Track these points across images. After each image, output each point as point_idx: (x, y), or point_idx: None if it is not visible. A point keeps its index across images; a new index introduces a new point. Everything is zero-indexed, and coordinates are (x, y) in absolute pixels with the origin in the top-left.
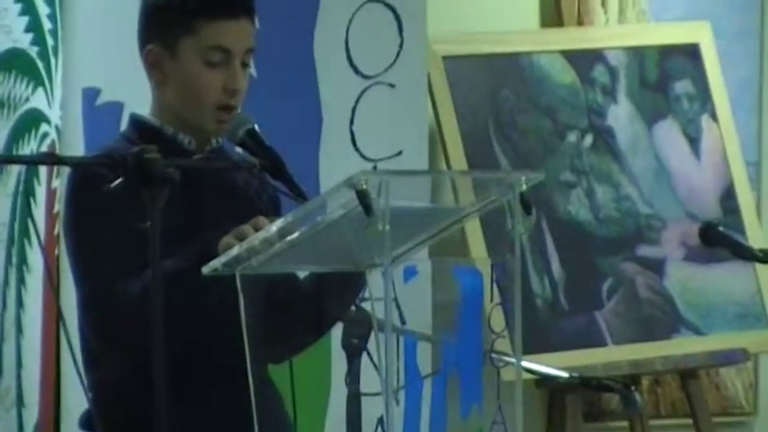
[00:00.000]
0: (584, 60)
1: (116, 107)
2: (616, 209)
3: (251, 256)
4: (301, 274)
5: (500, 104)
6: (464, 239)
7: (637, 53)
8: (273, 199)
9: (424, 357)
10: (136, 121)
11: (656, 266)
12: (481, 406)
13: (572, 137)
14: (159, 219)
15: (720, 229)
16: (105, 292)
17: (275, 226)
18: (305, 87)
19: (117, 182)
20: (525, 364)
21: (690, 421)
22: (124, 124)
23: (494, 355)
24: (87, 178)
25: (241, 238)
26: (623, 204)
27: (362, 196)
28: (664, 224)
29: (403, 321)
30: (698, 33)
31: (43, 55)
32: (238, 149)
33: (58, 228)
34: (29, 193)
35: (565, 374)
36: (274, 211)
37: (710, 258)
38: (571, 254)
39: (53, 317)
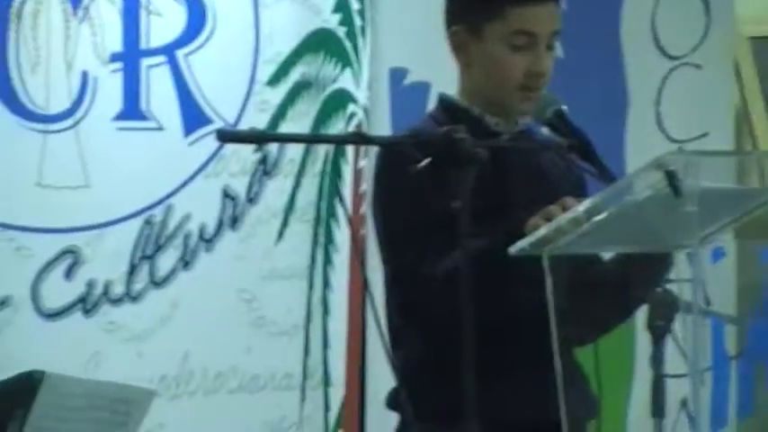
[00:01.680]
0: None
1: (423, 87)
2: None
3: (558, 237)
4: (606, 255)
5: None
6: None
7: None
8: (579, 180)
9: (730, 339)
10: (444, 102)
11: None
12: None
13: None
14: (467, 199)
15: None
16: (411, 273)
17: (583, 206)
18: (611, 68)
19: (425, 162)
20: None
21: None
22: (431, 105)
23: None
24: (395, 158)
25: (548, 219)
26: None
27: (671, 177)
28: None
29: (708, 303)
30: None
31: (351, 35)
32: (544, 130)
33: (364, 207)
34: (336, 172)
35: None
36: (581, 192)
37: None
38: None
39: (359, 296)
